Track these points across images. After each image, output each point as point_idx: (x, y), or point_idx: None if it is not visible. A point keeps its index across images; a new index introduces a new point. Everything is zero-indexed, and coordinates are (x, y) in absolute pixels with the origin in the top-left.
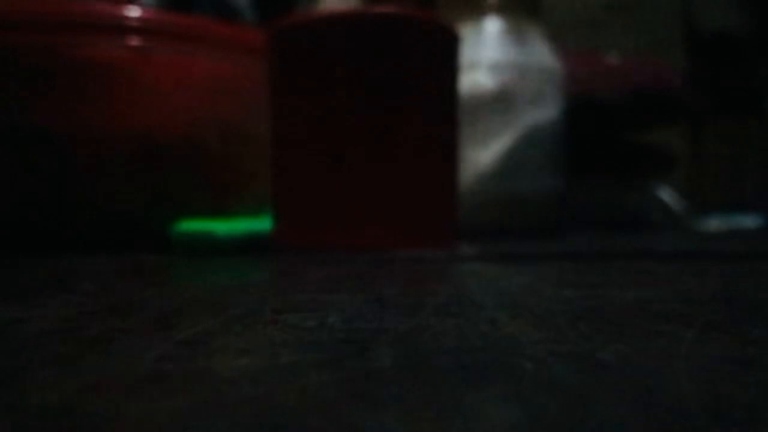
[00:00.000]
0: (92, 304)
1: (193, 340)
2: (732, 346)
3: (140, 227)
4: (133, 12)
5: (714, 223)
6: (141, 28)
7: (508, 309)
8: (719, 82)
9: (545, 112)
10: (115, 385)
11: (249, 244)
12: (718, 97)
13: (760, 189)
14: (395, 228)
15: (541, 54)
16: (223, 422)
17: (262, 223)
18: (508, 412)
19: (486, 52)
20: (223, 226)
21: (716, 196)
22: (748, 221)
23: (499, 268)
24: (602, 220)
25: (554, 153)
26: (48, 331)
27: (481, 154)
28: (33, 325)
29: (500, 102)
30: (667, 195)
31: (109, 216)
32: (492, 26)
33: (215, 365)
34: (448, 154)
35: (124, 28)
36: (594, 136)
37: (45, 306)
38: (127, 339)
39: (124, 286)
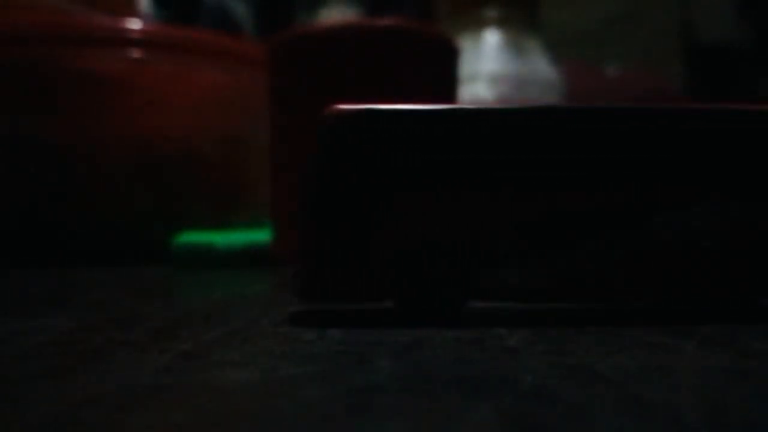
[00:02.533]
0: (92, 316)
1: (193, 352)
2: (732, 358)
3: (140, 239)
4: (134, 24)
5: None
6: (142, 40)
7: (508, 322)
8: (719, 94)
9: None
10: (115, 397)
11: (249, 257)
12: None
13: None
14: None
15: (541, 66)
16: None
17: (261, 235)
18: (507, 425)
19: (486, 64)
20: (222, 238)
21: None
22: None
23: None
24: None
25: None
26: (47, 344)
27: None
28: (32, 338)
29: None
30: None
31: (109, 228)
32: (491, 39)
33: (214, 378)
34: None
35: (125, 40)
36: None
37: (45, 318)
38: (127, 351)
39: (124, 299)
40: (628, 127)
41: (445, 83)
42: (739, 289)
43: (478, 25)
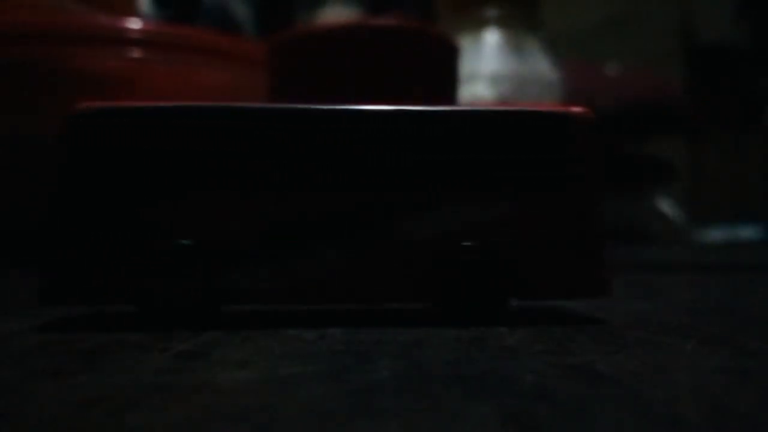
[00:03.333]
0: (92, 315)
1: (193, 352)
2: (730, 358)
3: None
4: (134, 24)
5: (714, 235)
6: (142, 40)
7: (508, 321)
8: (718, 93)
9: None
10: (115, 397)
11: None
12: (718, 108)
13: (760, 200)
14: None
15: (541, 65)
16: None
17: None
18: (507, 424)
19: (486, 63)
20: None
21: (716, 207)
22: (748, 232)
23: None
24: None
25: None
26: (48, 343)
27: None
28: (33, 337)
29: None
30: (667, 206)
31: None
32: (492, 38)
33: (214, 378)
34: None
35: (125, 40)
36: None
37: (45, 318)
38: (127, 351)
39: None
40: (365, 130)
41: (446, 83)
42: (492, 291)
43: (478, 24)
